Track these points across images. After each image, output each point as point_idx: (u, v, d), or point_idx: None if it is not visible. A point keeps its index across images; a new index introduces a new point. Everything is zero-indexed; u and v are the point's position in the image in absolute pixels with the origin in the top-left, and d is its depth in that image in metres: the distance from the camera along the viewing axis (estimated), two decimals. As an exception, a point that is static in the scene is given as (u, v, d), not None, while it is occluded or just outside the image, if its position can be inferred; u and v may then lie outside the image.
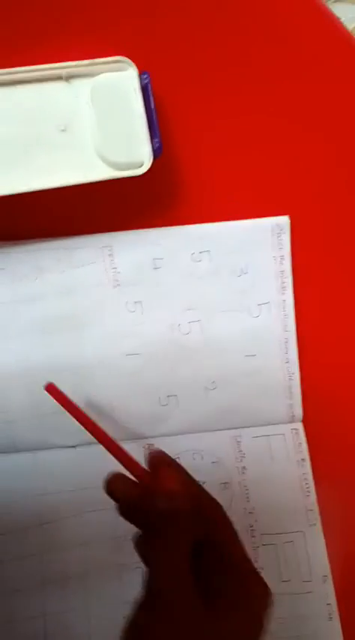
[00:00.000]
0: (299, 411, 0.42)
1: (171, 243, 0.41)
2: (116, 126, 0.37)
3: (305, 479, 0.41)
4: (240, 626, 0.27)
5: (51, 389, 0.36)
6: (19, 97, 0.37)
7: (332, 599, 0.40)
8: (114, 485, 0.30)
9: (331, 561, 0.41)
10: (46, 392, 0.36)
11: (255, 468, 0.41)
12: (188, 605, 0.26)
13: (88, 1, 0.39)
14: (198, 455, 0.41)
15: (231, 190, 0.41)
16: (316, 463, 0.42)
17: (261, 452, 0.41)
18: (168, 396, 0.41)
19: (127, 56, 0.37)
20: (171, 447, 0.36)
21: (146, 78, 0.37)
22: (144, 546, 0.29)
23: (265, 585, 0.29)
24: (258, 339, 0.42)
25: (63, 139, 0.37)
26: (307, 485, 0.41)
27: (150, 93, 0.37)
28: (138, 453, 0.33)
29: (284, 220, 0.41)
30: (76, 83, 0.37)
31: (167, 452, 0.33)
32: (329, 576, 0.40)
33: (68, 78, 0.37)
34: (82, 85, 0.37)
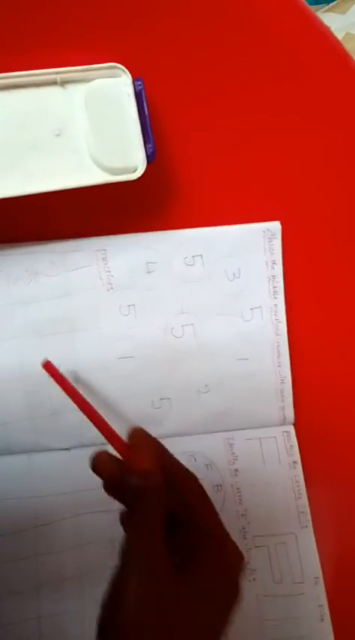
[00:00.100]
0: (290, 414, 0.42)
1: (165, 248, 0.41)
2: (110, 131, 0.37)
3: (297, 481, 0.42)
4: (211, 587, 0.29)
5: (48, 366, 0.38)
6: (13, 101, 0.37)
7: (324, 601, 0.41)
8: (99, 463, 0.31)
9: (322, 563, 0.41)
10: (43, 369, 0.38)
11: (247, 471, 0.42)
12: (158, 570, 0.28)
13: (83, 8, 0.39)
14: (191, 457, 0.41)
15: (224, 195, 0.42)
16: (307, 465, 0.42)
17: (254, 454, 0.42)
18: (161, 399, 0.41)
19: (121, 63, 0.37)
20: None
21: (140, 84, 0.38)
22: (124, 520, 0.31)
23: (237, 549, 0.31)
24: (250, 343, 0.42)
25: (57, 144, 0.38)
26: (298, 488, 0.42)
27: (144, 99, 0.38)
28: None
29: (275, 225, 0.42)
30: (71, 88, 0.38)
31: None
32: (321, 578, 0.41)
33: (63, 83, 0.38)
34: (77, 91, 0.38)
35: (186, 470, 0.33)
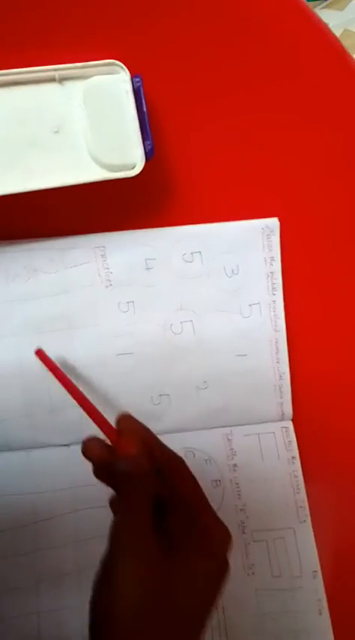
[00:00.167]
0: (289, 409, 0.43)
1: (163, 244, 0.41)
2: (108, 128, 0.37)
3: (295, 476, 0.42)
4: (199, 567, 0.29)
5: (40, 354, 0.39)
6: (12, 98, 0.37)
7: (322, 595, 0.41)
8: (89, 448, 0.32)
9: (321, 557, 0.41)
10: (36, 356, 0.39)
11: (246, 466, 0.42)
12: (146, 551, 0.28)
13: (81, 6, 0.39)
14: (190, 453, 0.42)
15: (222, 192, 0.42)
16: (306, 461, 0.42)
17: (252, 450, 0.42)
18: (160, 395, 0.42)
19: (120, 60, 0.37)
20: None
21: (138, 81, 0.38)
22: (113, 504, 0.32)
23: (224, 527, 0.32)
24: (248, 339, 0.42)
25: (56, 141, 0.38)
26: (297, 483, 0.42)
27: (142, 96, 0.38)
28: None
29: (273, 222, 0.42)
30: (69, 85, 0.38)
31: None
32: (319, 572, 0.41)
33: (61, 80, 0.38)
34: (75, 88, 0.38)
35: (173, 453, 0.33)
